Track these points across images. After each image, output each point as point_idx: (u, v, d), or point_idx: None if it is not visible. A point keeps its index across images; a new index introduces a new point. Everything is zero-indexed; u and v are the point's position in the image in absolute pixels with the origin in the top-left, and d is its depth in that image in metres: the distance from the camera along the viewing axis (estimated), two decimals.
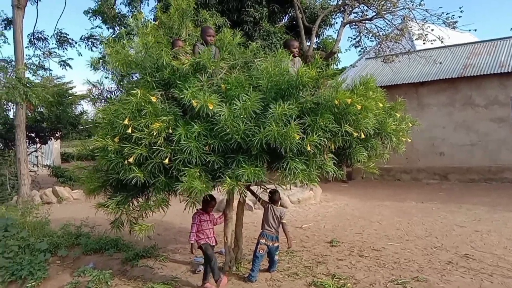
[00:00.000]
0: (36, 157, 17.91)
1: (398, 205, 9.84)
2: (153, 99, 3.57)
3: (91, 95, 5.04)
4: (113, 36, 14.84)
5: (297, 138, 3.42)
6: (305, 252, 6.21)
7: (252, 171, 3.42)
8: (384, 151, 4.94)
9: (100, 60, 5.19)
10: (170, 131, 3.50)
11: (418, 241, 6.55)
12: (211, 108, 3.32)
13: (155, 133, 3.39)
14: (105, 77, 5.00)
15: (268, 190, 5.28)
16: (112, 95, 4.89)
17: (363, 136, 3.91)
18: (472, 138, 13.32)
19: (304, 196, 10.37)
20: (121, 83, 4.79)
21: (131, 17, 14.81)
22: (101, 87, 4.97)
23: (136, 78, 4.82)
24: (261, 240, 5.07)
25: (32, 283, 5.33)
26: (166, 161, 3.45)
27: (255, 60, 4.37)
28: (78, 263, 6.10)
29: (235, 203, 5.50)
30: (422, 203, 10.03)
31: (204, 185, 3.38)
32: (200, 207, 4.90)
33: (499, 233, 6.78)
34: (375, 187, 13.01)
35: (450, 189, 12.10)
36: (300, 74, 3.76)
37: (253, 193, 5.42)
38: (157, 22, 5.72)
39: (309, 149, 3.55)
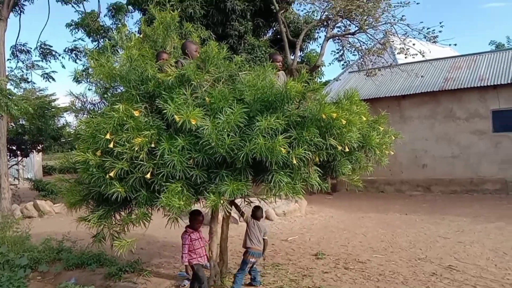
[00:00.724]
0: (17, 170, 17.56)
1: (382, 217, 9.91)
2: (136, 113, 3.54)
3: (73, 107, 4.98)
4: (97, 48, 14.76)
5: (283, 152, 3.43)
6: (290, 265, 6.18)
7: (235, 186, 3.41)
8: (368, 164, 4.98)
9: (83, 73, 5.13)
10: (153, 145, 3.47)
11: (403, 253, 6.59)
12: (193, 123, 3.30)
13: (136, 148, 3.36)
14: (89, 89, 4.94)
15: (251, 204, 5.26)
16: (95, 108, 4.84)
17: (347, 149, 3.94)
18: (454, 150, 13.57)
19: (289, 208, 10.38)
20: (105, 95, 4.75)
21: (115, 30, 14.81)
22: (84, 99, 4.92)
23: (120, 91, 4.78)
24: (250, 259, 5.01)
25: None
26: (148, 175, 3.41)
27: (240, 73, 4.39)
28: (60, 279, 5.95)
29: (220, 216, 5.46)
30: (406, 214, 10.13)
31: (183, 202, 3.35)
32: (188, 225, 4.80)
33: (482, 244, 6.87)
34: (359, 199, 13.08)
35: (433, 201, 12.26)
36: (288, 88, 3.78)
37: (237, 207, 5.39)
38: (141, 35, 5.71)
39: (294, 162, 3.56)
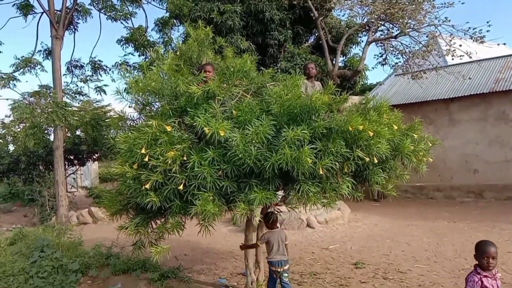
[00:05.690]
0: (74, 178, 18.64)
1: (429, 225, 9.59)
2: (168, 128, 3.75)
3: (118, 123, 5.29)
4: (145, 61, 15.37)
5: (309, 162, 3.48)
6: (328, 274, 6.18)
7: (264, 195, 3.52)
8: (404, 171, 4.89)
9: (125, 89, 5.41)
10: (185, 158, 3.65)
11: (446, 263, 6.38)
12: (222, 134, 3.45)
13: (169, 161, 3.55)
14: (129, 106, 5.21)
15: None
16: (134, 123, 5.12)
17: (375, 161, 3.91)
18: (508, 154, 12.84)
19: (331, 216, 10.27)
20: (143, 111, 5.01)
21: (162, 43, 15.38)
22: (125, 116, 5.21)
23: (156, 106, 5.03)
24: (272, 269, 5.04)
25: None
26: (181, 187, 3.59)
27: (268, 84, 4.50)
28: (108, 283, 6.31)
29: (255, 223, 5.56)
30: (454, 222, 9.73)
31: (217, 209, 3.51)
32: (478, 264, 3.34)
33: None
34: (407, 206, 12.71)
35: (485, 208, 11.67)
36: (313, 100, 3.84)
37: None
38: (178, 52, 5.96)
39: (321, 172, 3.61)
